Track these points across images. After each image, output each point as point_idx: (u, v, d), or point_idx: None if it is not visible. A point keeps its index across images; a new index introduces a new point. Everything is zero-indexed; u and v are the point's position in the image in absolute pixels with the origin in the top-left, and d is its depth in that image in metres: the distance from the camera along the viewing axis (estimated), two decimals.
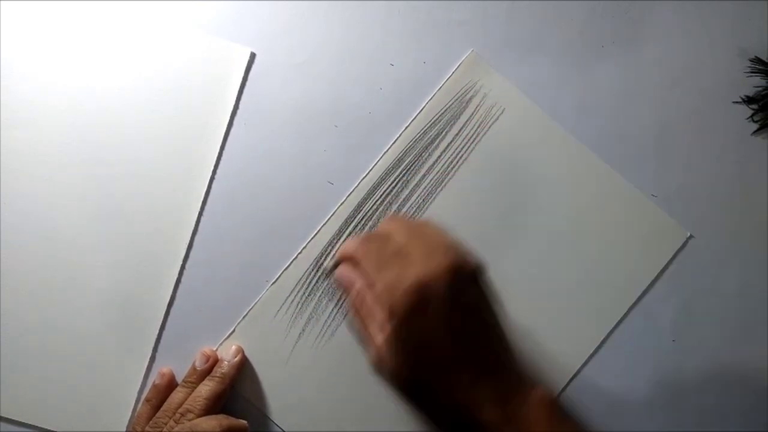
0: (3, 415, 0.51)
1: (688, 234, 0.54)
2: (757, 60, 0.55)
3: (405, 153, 0.54)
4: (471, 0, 0.55)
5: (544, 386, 0.39)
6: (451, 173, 0.54)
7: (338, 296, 0.53)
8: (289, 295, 0.52)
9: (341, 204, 0.53)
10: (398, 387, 0.39)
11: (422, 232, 0.42)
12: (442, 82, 0.55)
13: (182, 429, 0.47)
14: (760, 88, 0.55)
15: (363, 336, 0.40)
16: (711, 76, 0.56)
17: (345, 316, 0.41)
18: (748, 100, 0.55)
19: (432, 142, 0.54)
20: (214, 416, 0.48)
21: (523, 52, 0.55)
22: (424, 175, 0.54)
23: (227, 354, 0.51)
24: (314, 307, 0.52)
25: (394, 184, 0.54)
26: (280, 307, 0.52)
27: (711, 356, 0.53)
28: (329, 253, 0.53)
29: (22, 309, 0.51)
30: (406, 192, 0.54)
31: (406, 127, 0.54)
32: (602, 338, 0.53)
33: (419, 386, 0.38)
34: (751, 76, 0.55)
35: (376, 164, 0.54)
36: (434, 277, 0.38)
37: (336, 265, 0.44)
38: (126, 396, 0.51)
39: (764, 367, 0.53)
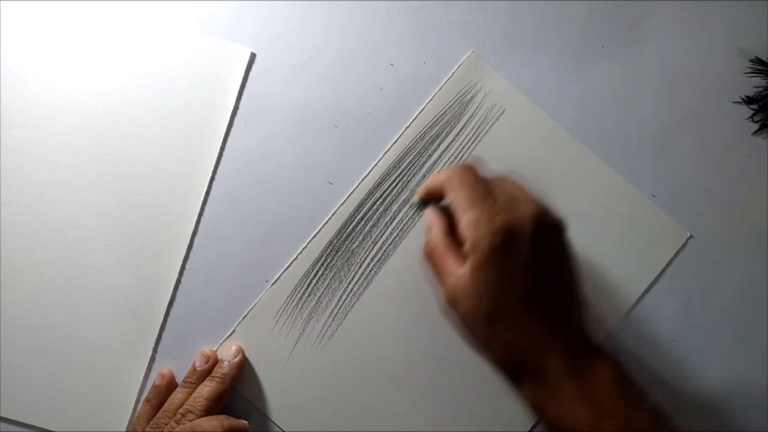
0: (3, 415, 0.51)
1: (689, 234, 0.54)
2: (757, 60, 0.55)
3: (405, 153, 0.54)
4: (471, 0, 0.55)
5: (613, 356, 0.41)
6: None
7: (339, 296, 0.53)
8: (290, 296, 0.52)
9: (341, 204, 0.53)
10: (472, 319, 0.40)
11: (508, 182, 0.44)
12: (443, 83, 0.55)
13: (183, 429, 0.47)
14: (760, 88, 0.55)
15: (437, 273, 0.42)
16: (711, 76, 0.56)
17: (421, 255, 0.44)
18: (748, 100, 0.55)
19: (432, 142, 0.54)
20: (214, 416, 0.48)
21: (523, 53, 0.55)
22: (424, 176, 0.54)
23: (227, 354, 0.51)
24: (314, 307, 0.52)
25: (394, 185, 0.54)
26: (281, 308, 0.52)
27: (711, 356, 0.53)
28: (329, 253, 0.53)
29: (22, 309, 0.51)
30: (407, 193, 0.54)
31: (407, 128, 0.54)
32: (603, 338, 0.53)
33: (494, 321, 0.39)
34: (752, 76, 0.55)
35: (376, 164, 0.54)
36: (522, 222, 0.40)
37: (423, 201, 0.47)
38: (126, 396, 0.51)
39: (764, 367, 0.53)
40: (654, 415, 0.40)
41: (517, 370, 0.40)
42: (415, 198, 0.49)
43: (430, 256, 0.43)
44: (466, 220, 0.40)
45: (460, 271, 0.40)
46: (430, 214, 0.45)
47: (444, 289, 0.41)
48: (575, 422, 0.39)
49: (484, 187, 0.42)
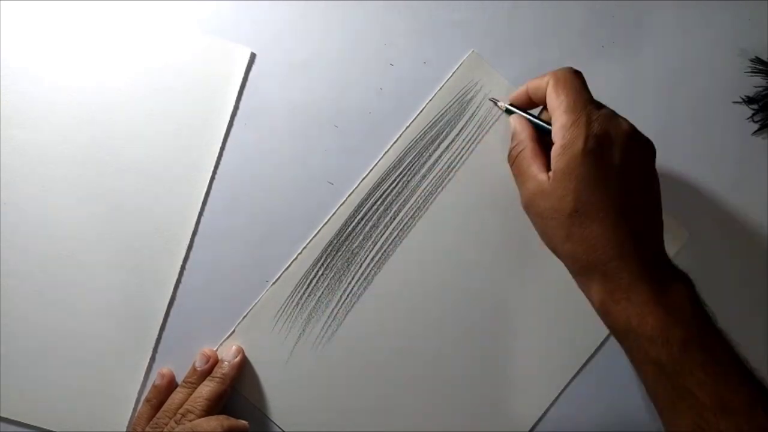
0: (3, 415, 0.51)
1: (688, 234, 0.54)
2: (757, 60, 0.55)
3: (405, 153, 0.54)
4: (471, 0, 0.55)
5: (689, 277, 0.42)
6: (452, 174, 0.54)
7: (339, 296, 0.53)
8: (290, 296, 0.52)
9: (341, 204, 0.53)
10: (552, 218, 0.41)
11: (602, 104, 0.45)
12: (443, 83, 0.54)
13: (183, 429, 0.47)
14: (760, 88, 0.55)
15: (519, 175, 0.44)
16: (711, 76, 0.56)
17: (508, 156, 0.47)
18: (748, 100, 0.55)
19: (432, 142, 0.54)
20: (214, 417, 0.48)
21: (523, 53, 0.55)
22: (424, 176, 0.54)
23: (227, 354, 0.51)
24: (314, 307, 0.52)
25: (394, 185, 0.54)
26: (281, 308, 0.52)
27: None
28: (329, 253, 0.53)
29: (22, 309, 0.51)
30: (407, 192, 0.53)
31: (407, 128, 0.54)
32: (603, 338, 0.53)
33: (575, 218, 0.40)
34: (752, 76, 0.55)
35: (376, 164, 0.54)
36: (618, 134, 0.41)
37: (509, 108, 0.48)
38: (126, 396, 0.51)
39: (764, 367, 0.53)
40: (722, 332, 0.41)
41: (589, 267, 0.41)
42: (503, 104, 0.50)
43: (516, 158, 0.45)
44: (563, 121, 0.42)
45: (542, 176, 0.42)
46: (519, 120, 0.47)
47: (524, 191, 0.43)
48: (643, 324, 0.39)
49: (587, 95, 0.43)
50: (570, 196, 0.40)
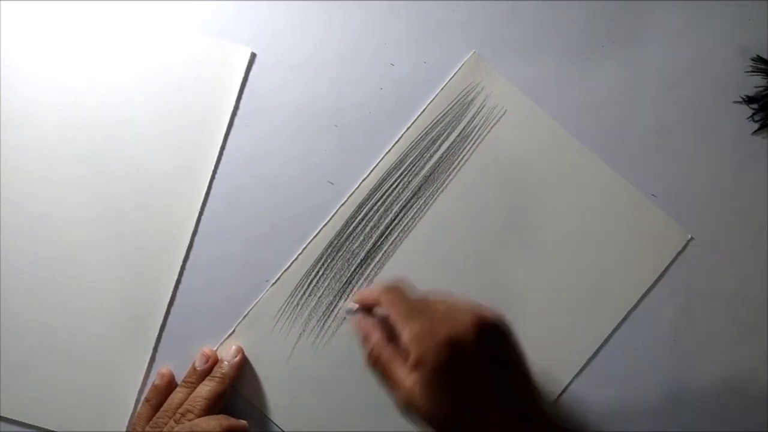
0: (3, 415, 0.51)
1: (689, 236, 0.54)
2: (758, 59, 0.55)
3: (406, 154, 0.54)
4: (472, 0, 0.55)
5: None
6: (453, 175, 0.54)
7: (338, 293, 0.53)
8: (290, 296, 0.52)
9: (342, 204, 0.53)
10: (436, 420, 0.40)
11: (438, 298, 0.43)
12: (444, 83, 0.54)
13: (182, 429, 0.47)
14: (760, 88, 0.55)
15: (386, 380, 0.42)
16: (711, 76, 0.56)
17: (364, 361, 0.44)
18: (749, 100, 0.55)
19: (433, 143, 0.54)
20: (214, 416, 0.48)
21: (524, 53, 0.55)
22: (425, 177, 0.54)
23: (227, 354, 0.51)
24: (314, 307, 0.52)
25: (395, 185, 0.54)
26: (281, 308, 0.52)
27: (711, 356, 0.53)
28: (330, 253, 0.53)
29: (22, 309, 0.51)
30: (407, 193, 0.53)
31: (408, 128, 0.54)
32: (604, 339, 0.53)
33: (457, 422, 0.39)
34: (752, 75, 0.55)
35: (377, 165, 0.54)
36: (464, 332, 0.40)
37: (354, 309, 0.46)
38: (126, 396, 0.51)
39: (764, 368, 0.53)
40: None
41: None
42: (349, 305, 0.47)
43: (376, 363, 0.43)
44: (408, 334, 0.40)
45: (409, 381, 0.40)
46: (365, 324, 0.45)
47: (398, 396, 0.41)
48: None
49: (416, 301, 0.43)
50: (443, 404, 0.39)
